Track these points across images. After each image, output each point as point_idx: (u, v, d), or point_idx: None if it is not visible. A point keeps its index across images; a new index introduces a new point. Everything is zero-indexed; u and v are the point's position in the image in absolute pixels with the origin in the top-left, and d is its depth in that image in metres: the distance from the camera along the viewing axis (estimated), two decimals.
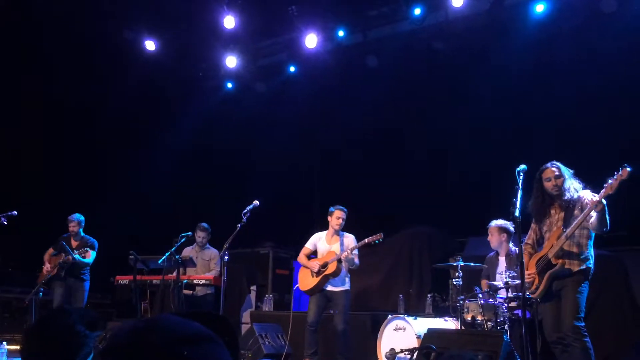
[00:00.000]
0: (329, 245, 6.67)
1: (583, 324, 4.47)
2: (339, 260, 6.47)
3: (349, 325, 6.45)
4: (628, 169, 4.21)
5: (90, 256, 7.75)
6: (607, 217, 4.41)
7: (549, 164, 4.84)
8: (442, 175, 8.63)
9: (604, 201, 4.32)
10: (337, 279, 6.51)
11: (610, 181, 4.29)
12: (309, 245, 6.82)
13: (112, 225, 10.10)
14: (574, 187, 4.74)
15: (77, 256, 7.52)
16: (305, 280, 6.68)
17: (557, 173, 4.79)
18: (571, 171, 4.83)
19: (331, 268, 6.46)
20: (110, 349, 0.96)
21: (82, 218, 7.93)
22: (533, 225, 4.98)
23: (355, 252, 6.55)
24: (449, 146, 8.72)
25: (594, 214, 4.44)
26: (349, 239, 6.64)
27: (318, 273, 6.55)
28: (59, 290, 7.64)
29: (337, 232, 6.68)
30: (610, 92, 7.39)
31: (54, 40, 9.40)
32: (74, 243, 7.77)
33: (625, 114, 7.35)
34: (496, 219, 6.07)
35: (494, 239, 6.06)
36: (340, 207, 6.69)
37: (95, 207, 10.21)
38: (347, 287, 6.56)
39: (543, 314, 4.77)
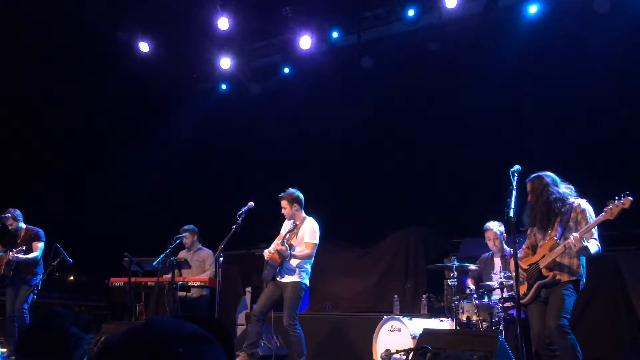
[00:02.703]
0: (285, 230, 6.38)
1: (566, 322, 4.46)
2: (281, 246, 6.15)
3: (297, 322, 6.04)
4: (630, 198, 4.16)
5: (37, 249, 7.44)
6: (595, 248, 4.43)
7: (529, 178, 4.84)
8: (437, 176, 8.65)
9: (583, 243, 4.33)
10: (285, 269, 6.15)
11: (610, 207, 4.24)
12: (282, 232, 6.52)
13: (106, 227, 10.09)
14: (554, 197, 4.67)
15: (17, 256, 7.18)
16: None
17: (529, 189, 4.82)
18: (557, 179, 4.76)
19: (270, 255, 6.19)
20: (106, 350, 0.96)
21: (17, 212, 7.58)
22: (529, 231, 4.99)
23: (309, 239, 6.13)
24: (444, 146, 8.73)
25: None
26: (305, 225, 6.23)
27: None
28: (9, 290, 7.39)
29: (291, 219, 6.36)
30: (604, 92, 7.42)
31: (47, 41, 9.37)
32: (19, 239, 7.49)
33: (619, 114, 7.39)
34: (491, 221, 6.10)
35: (497, 242, 6.09)
36: (282, 194, 6.33)
37: (90, 208, 10.21)
38: (296, 278, 6.13)
39: (530, 318, 4.77)
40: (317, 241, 6.23)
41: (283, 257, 6.14)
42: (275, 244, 6.28)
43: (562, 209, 4.66)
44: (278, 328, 6.84)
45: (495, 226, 6.08)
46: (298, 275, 6.13)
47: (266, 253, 6.29)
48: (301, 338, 6.03)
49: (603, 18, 7.35)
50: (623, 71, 7.31)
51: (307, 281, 6.23)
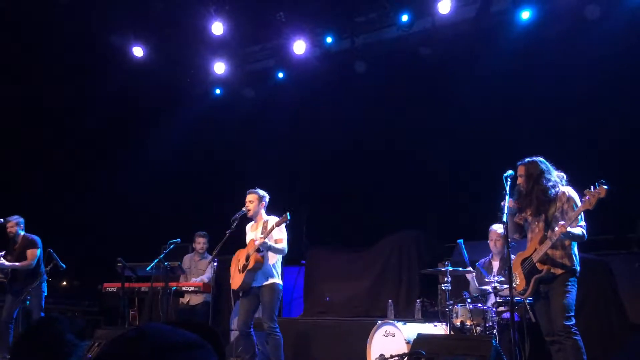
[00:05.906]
0: (252, 233, 6.17)
1: (573, 321, 4.50)
2: (258, 250, 5.93)
3: (276, 325, 5.91)
4: (605, 187, 4.20)
5: (32, 256, 7.43)
6: (580, 233, 4.46)
7: (522, 162, 4.88)
8: (430, 180, 8.67)
9: (568, 229, 4.37)
10: (261, 273, 5.97)
11: (587, 197, 4.30)
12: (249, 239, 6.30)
13: (99, 232, 10.06)
14: (550, 184, 4.70)
15: (3, 262, 7.18)
16: (234, 277, 6.13)
17: (522, 173, 4.82)
18: (550, 166, 4.81)
19: (252, 261, 5.91)
20: (101, 358, 0.96)
21: (21, 219, 7.66)
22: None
23: (280, 235, 5.97)
24: (437, 151, 8.76)
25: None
26: (271, 222, 5.94)
27: (243, 268, 6.00)
28: (8, 298, 7.40)
29: (255, 219, 6.21)
30: (594, 98, 7.48)
31: (40, 45, 9.36)
32: (16, 245, 7.50)
33: (609, 119, 7.44)
34: (495, 223, 6.12)
35: (499, 244, 6.12)
36: (251, 190, 6.21)
37: (83, 213, 10.18)
38: (273, 280, 5.98)
39: (538, 317, 4.84)
40: (286, 237, 6.09)
41: (264, 257, 5.97)
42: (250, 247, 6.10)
43: (552, 197, 4.69)
44: None
45: (499, 228, 6.10)
46: (274, 277, 6.03)
47: (239, 263, 6.12)
48: (280, 342, 5.94)
49: (594, 23, 7.41)
50: (615, 76, 7.36)
51: (281, 282, 6.13)
